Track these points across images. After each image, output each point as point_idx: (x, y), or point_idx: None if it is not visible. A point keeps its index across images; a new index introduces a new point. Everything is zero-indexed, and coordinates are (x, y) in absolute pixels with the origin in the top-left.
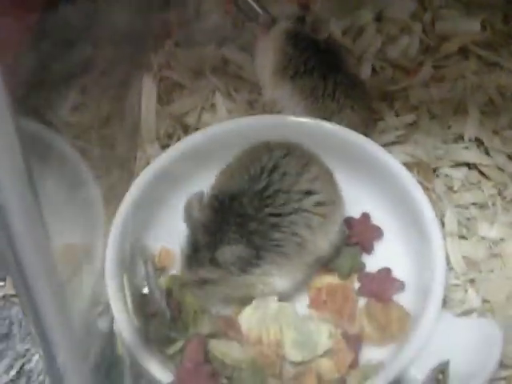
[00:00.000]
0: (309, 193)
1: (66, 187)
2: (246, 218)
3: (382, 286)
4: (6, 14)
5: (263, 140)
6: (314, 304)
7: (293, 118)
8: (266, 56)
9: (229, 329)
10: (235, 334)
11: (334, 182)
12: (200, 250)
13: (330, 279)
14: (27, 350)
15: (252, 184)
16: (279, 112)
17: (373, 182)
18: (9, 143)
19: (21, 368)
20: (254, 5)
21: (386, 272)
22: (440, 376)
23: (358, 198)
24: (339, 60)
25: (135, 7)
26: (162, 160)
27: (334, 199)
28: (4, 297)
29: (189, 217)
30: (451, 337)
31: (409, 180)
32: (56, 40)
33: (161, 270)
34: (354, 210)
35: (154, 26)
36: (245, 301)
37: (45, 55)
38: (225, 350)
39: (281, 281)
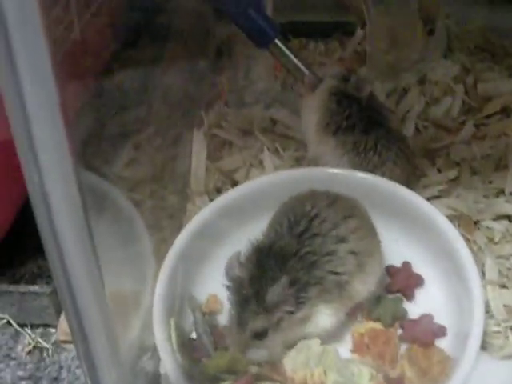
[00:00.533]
0: (343, 240)
1: (121, 237)
2: (285, 257)
3: (424, 331)
4: (70, 77)
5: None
6: (357, 348)
7: (335, 170)
8: (311, 113)
9: (274, 372)
10: (280, 376)
11: (373, 235)
12: (249, 303)
13: (373, 325)
14: None
15: (292, 229)
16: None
17: (414, 231)
18: (71, 196)
19: None
20: (301, 65)
21: (427, 318)
22: None
23: (399, 248)
24: (381, 116)
25: (188, 71)
26: (206, 213)
27: (371, 251)
28: (55, 342)
29: (230, 277)
30: (490, 379)
31: (449, 229)
32: (113, 102)
33: (209, 314)
34: (395, 258)
35: (206, 88)
36: (290, 344)
37: (103, 116)
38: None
39: (326, 319)
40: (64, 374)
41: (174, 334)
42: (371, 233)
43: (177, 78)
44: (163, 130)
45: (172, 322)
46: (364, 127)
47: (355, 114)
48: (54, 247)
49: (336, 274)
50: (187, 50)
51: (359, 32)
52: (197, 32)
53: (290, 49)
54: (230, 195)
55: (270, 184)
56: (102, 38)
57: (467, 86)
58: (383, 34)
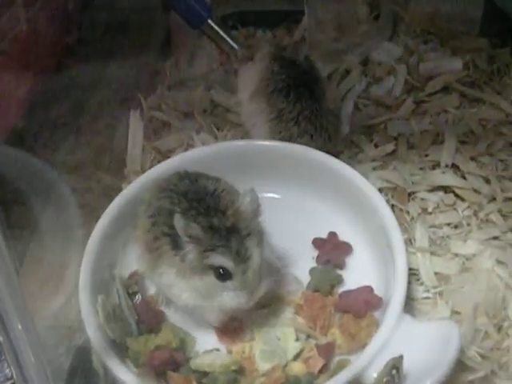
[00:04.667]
0: None
1: (50, 216)
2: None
3: (359, 302)
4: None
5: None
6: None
7: (261, 142)
8: (251, 77)
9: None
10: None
11: None
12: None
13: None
14: None
15: None
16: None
17: (339, 201)
18: None
19: None
20: (233, 43)
21: (366, 289)
22: (394, 371)
23: (325, 219)
24: (315, 83)
25: (133, 59)
26: (131, 189)
27: None
28: None
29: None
30: (410, 338)
31: (373, 194)
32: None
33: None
34: (321, 231)
35: (149, 74)
36: None
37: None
38: (210, 361)
39: None
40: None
41: (100, 310)
42: None
43: (121, 66)
44: (102, 115)
45: (99, 299)
46: (296, 95)
47: (292, 75)
48: None
49: None
50: (132, 40)
51: (306, 19)
52: (143, 22)
53: (221, 28)
54: (151, 172)
55: (191, 159)
56: (51, 29)
57: (410, 66)
58: (328, 19)
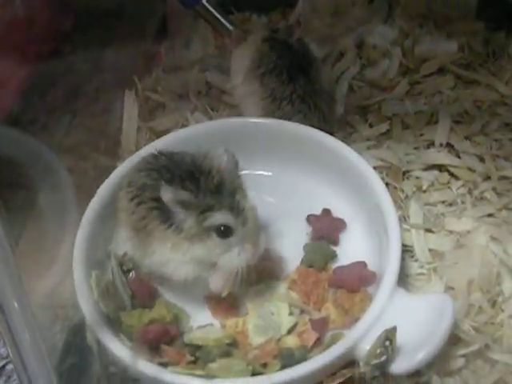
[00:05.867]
0: None
1: (49, 192)
2: None
3: (353, 278)
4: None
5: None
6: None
7: (253, 119)
8: (243, 58)
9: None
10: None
11: None
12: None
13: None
14: None
15: None
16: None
17: (332, 177)
18: None
19: (2, 367)
20: (227, 23)
21: (360, 265)
22: (387, 343)
23: (319, 196)
24: (309, 64)
25: (129, 42)
26: (123, 168)
27: None
28: None
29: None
30: (404, 311)
31: (367, 170)
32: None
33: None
34: (315, 207)
35: (145, 57)
36: None
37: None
38: (203, 335)
39: None
40: None
41: (94, 285)
42: None
43: (117, 50)
44: (98, 98)
45: (93, 274)
46: (289, 75)
47: (284, 56)
48: None
49: None
50: (128, 25)
51: (300, 3)
52: (139, 7)
53: (215, 8)
54: (145, 150)
55: (186, 136)
56: (47, 14)
57: (405, 48)
58: (323, 3)
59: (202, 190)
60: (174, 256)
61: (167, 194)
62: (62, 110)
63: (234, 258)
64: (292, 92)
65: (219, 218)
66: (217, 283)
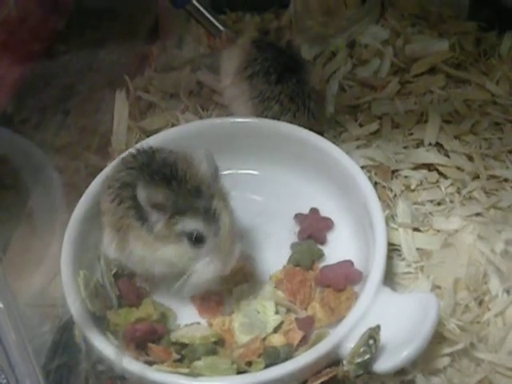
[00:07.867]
0: None
1: (39, 192)
2: None
3: (339, 277)
4: None
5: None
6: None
7: (240, 119)
8: (232, 59)
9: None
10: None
11: None
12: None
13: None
14: None
15: None
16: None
17: (320, 176)
18: None
19: None
20: (218, 23)
21: (346, 264)
22: (371, 341)
23: (307, 195)
24: (297, 64)
25: (121, 43)
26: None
27: None
28: None
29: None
30: (389, 310)
31: (353, 168)
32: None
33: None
34: (303, 206)
35: (137, 57)
36: None
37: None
38: (190, 333)
39: None
40: None
41: (81, 283)
42: None
43: (109, 50)
44: (90, 98)
45: (81, 273)
46: (277, 76)
47: (272, 59)
48: None
49: None
50: (121, 25)
51: (292, 3)
52: (132, 7)
53: (206, 8)
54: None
55: (175, 136)
56: (40, 14)
57: (396, 48)
58: (315, 3)
59: (178, 193)
60: (146, 254)
61: (142, 194)
62: (54, 110)
63: (204, 268)
64: (280, 92)
65: (190, 223)
66: (188, 288)
